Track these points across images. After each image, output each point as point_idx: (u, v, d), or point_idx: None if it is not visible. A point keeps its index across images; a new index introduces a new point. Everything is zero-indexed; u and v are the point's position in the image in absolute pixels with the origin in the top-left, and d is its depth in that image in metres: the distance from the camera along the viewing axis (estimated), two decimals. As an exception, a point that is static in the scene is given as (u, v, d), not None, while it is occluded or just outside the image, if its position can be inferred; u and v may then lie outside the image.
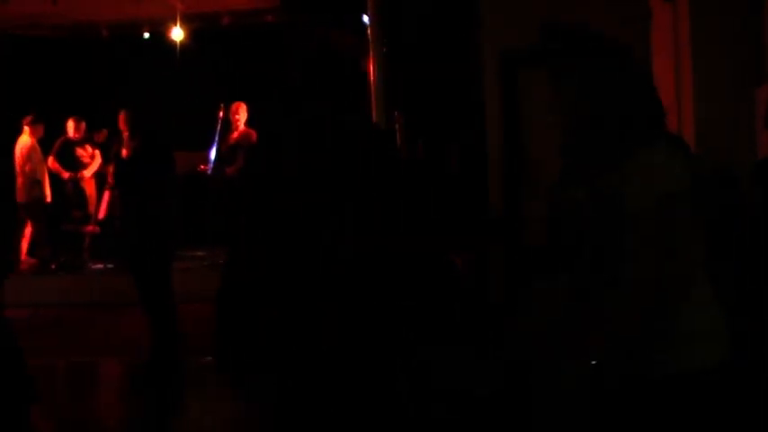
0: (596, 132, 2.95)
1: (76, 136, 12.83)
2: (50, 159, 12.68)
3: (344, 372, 3.46)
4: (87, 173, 12.82)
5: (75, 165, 12.75)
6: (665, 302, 2.75)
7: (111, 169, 11.94)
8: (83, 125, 12.92)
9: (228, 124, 12.18)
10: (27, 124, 12.42)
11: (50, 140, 12.81)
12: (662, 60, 7.71)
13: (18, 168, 12.32)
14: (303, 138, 3.54)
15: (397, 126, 9.35)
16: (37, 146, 12.56)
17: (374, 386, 3.53)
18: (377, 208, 3.55)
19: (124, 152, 9.69)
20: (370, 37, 9.82)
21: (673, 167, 2.79)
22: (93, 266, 12.16)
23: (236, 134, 12.06)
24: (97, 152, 13.00)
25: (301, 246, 3.39)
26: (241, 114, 12.08)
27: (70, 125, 12.80)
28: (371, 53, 9.77)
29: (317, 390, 3.44)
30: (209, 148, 12.18)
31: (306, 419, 3.49)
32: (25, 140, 12.40)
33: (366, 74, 10.21)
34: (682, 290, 2.79)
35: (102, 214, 12.35)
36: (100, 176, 12.95)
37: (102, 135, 13.16)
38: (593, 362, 2.81)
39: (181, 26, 13.86)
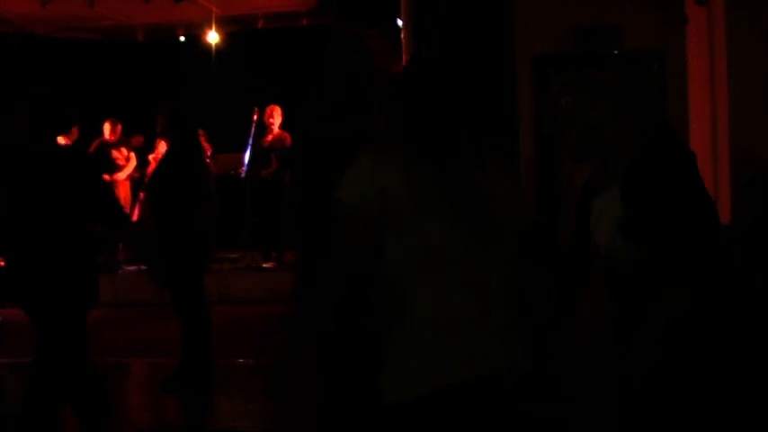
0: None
1: (112, 138, 12.90)
2: (86, 161, 12.74)
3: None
4: (122, 175, 12.88)
5: (111, 167, 12.82)
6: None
7: (148, 171, 12.02)
8: (119, 127, 12.99)
9: (263, 127, 12.21)
10: (62, 126, 12.51)
11: (86, 143, 12.89)
12: (697, 63, 7.67)
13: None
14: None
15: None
16: (71, 148, 12.64)
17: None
18: None
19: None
20: (403, 41, 9.81)
21: (351, 176, 2.64)
22: (126, 268, 12.22)
23: (270, 137, 12.09)
24: (132, 154, 13.07)
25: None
26: (275, 117, 12.11)
27: (106, 127, 12.88)
28: (405, 56, 9.77)
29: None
30: (244, 150, 12.22)
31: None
32: (59, 142, 12.48)
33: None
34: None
35: (135, 216, 12.42)
36: (134, 179, 13.04)
37: (138, 140, 13.26)
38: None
39: (216, 29, 13.94)
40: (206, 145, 11.86)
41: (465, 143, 2.77)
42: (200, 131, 11.83)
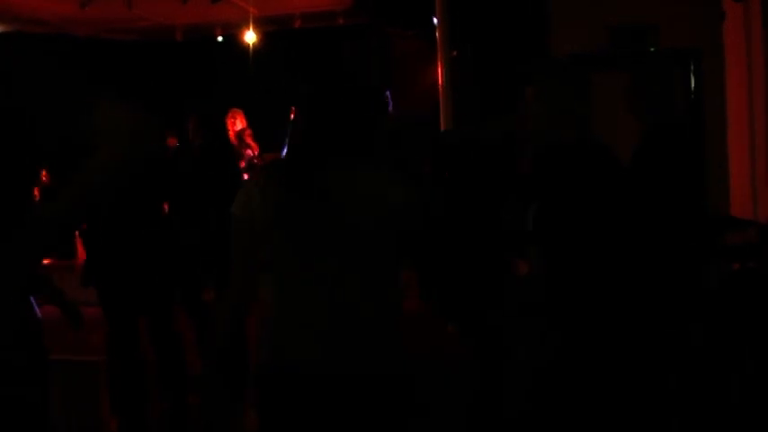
0: None
1: (149, 138, 12.93)
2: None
3: None
4: (160, 175, 12.91)
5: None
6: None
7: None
8: (156, 127, 13.01)
9: (300, 127, 12.19)
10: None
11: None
12: (735, 60, 7.59)
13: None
14: None
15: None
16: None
17: None
18: None
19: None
20: (438, 41, 9.77)
21: (241, 191, 3.01)
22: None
23: (307, 136, 12.09)
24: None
25: None
26: (312, 117, 12.11)
27: (144, 128, 12.91)
28: (440, 56, 9.73)
29: None
30: (281, 150, 12.24)
31: None
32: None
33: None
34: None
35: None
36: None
37: (171, 141, 13.29)
38: None
39: (254, 29, 13.98)
40: (253, 144, 11.95)
41: (342, 153, 2.93)
42: (248, 131, 11.94)
